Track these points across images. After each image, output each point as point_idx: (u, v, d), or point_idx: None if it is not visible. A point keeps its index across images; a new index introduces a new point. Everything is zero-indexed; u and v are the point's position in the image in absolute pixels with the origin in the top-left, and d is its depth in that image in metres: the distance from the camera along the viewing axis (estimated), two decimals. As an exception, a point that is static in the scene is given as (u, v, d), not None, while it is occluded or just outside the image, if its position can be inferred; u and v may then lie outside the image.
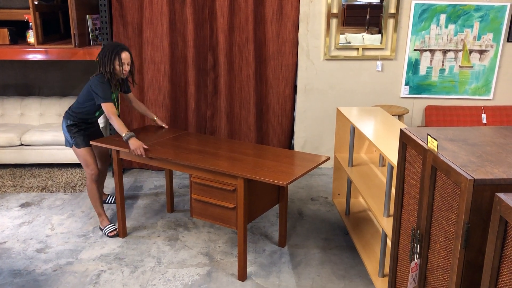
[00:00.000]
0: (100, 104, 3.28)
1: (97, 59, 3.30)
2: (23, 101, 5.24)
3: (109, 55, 3.23)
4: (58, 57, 4.44)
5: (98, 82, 3.25)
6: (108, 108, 3.25)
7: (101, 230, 3.58)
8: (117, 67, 3.27)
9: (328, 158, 3.05)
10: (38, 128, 4.90)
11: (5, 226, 3.66)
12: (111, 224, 3.57)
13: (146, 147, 3.15)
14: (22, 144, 4.75)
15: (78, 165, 4.93)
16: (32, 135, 4.73)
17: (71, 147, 3.47)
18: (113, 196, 4.08)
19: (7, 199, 4.16)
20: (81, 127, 3.46)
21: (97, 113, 3.46)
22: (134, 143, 3.13)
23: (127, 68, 3.31)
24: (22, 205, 4.04)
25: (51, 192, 4.32)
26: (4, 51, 4.43)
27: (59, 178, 4.62)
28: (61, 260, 3.21)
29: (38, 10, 4.38)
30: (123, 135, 3.18)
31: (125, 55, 3.27)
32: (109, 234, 3.51)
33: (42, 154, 4.77)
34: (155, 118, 3.77)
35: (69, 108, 3.47)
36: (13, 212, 3.91)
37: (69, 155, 4.77)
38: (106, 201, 4.07)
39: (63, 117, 3.48)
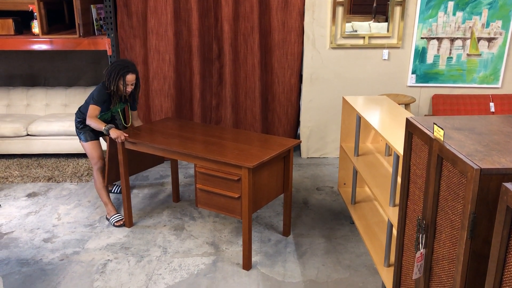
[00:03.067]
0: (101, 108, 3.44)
1: (105, 72, 3.42)
2: (28, 92, 5.26)
3: (115, 75, 3.33)
4: (63, 47, 4.44)
5: (100, 88, 3.42)
6: (92, 110, 3.38)
7: (107, 219, 3.61)
8: (121, 87, 3.38)
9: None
10: (44, 118, 4.92)
11: (12, 216, 3.69)
12: (117, 213, 3.60)
13: (126, 135, 3.30)
14: (28, 135, 4.77)
15: (84, 155, 4.96)
16: (38, 125, 4.74)
17: (80, 142, 3.64)
18: (118, 186, 4.12)
19: (14, 189, 4.19)
20: (83, 124, 3.59)
21: (98, 116, 3.46)
22: (115, 132, 3.30)
23: (129, 89, 3.42)
24: (29, 195, 4.07)
25: (57, 182, 4.34)
26: (9, 41, 4.43)
27: (66, 168, 4.64)
28: (68, 249, 3.23)
29: (43, 0, 4.36)
30: (103, 128, 3.32)
31: (130, 77, 3.37)
32: (115, 224, 3.54)
33: (48, 144, 4.79)
34: None
35: (79, 108, 3.63)
36: (20, 202, 3.94)
37: (75, 145, 4.79)
38: (112, 191, 4.11)
39: (75, 114, 3.68)
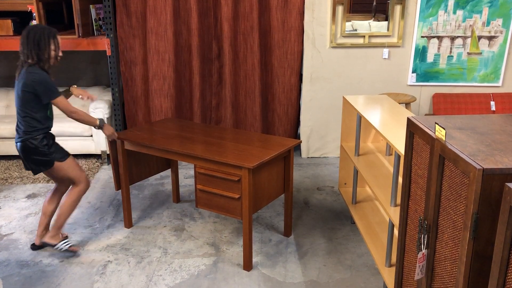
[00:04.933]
0: (48, 101, 2.87)
1: (24, 46, 2.80)
2: (28, 92, 5.24)
3: (45, 40, 2.81)
4: (62, 47, 4.41)
5: (38, 71, 2.79)
6: (64, 102, 2.85)
7: (53, 246, 3.10)
8: (53, 53, 2.87)
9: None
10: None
11: (12, 217, 3.68)
12: (66, 239, 3.16)
13: (116, 134, 3.19)
14: (28, 135, 4.75)
15: (84, 156, 4.94)
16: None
17: (52, 166, 2.93)
18: (66, 243, 3.17)
19: (14, 191, 4.18)
20: (52, 137, 2.99)
21: (49, 112, 2.96)
22: (109, 129, 3.12)
23: (61, 54, 2.94)
24: (29, 196, 4.06)
25: (57, 183, 4.33)
26: (8, 42, 4.42)
27: (65, 169, 4.63)
28: (68, 251, 3.21)
29: (42, 1, 4.35)
30: (98, 123, 3.02)
31: (59, 37, 2.91)
32: (69, 249, 3.11)
33: (48, 145, 4.78)
34: (70, 90, 3.29)
35: (20, 127, 2.89)
36: (20, 203, 3.93)
37: (75, 146, 4.77)
38: (55, 246, 3.15)
39: (19, 140, 2.88)
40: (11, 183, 4.34)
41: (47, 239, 3.11)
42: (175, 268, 3.02)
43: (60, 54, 2.94)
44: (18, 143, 2.91)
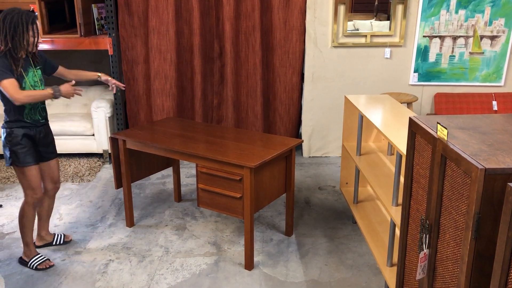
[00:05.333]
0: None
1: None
2: (30, 91, 5.24)
3: (22, 26, 2.62)
4: (64, 46, 4.43)
5: None
6: (8, 85, 2.59)
7: (24, 263, 3.01)
8: (32, 39, 2.69)
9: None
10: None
11: (14, 216, 3.68)
12: (38, 254, 3.03)
13: (80, 89, 2.91)
14: (29, 134, 4.76)
15: (85, 155, 4.95)
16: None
17: (9, 165, 2.82)
18: (61, 236, 3.28)
19: (16, 189, 4.18)
20: (20, 134, 2.78)
21: (27, 109, 2.79)
22: (67, 88, 2.84)
23: (40, 39, 2.81)
24: (31, 195, 4.06)
25: (59, 182, 4.34)
26: (10, 41, 4.42)
27: (67, 168, 4.63)
28: (70, 249, 3.22)
29: (44, 0, 4.36)
30: (52, 92, 2.76)
31: (38, 23, 2.78)
32: (38, 267, 2.97)
33: (49, 144, 4.78)
34: (99, 74, 3.23)
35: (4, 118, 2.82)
36: (22, 202, 3.93)
37: (77, 145, 4.78)
38: (53, 243, 3.24)
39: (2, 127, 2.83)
40: (13, 182, 4.34)
41: (22, 255, 3.04)
42: (176, 267, 3.02)
43: (40, 40, 2.75)
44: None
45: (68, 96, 2.85)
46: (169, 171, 4.57)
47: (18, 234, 3.41)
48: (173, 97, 4.77)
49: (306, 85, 4.79)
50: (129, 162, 3.42)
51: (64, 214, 3.73)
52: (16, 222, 3.59)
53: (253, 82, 4.78)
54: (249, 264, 2.99)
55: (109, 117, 4.69)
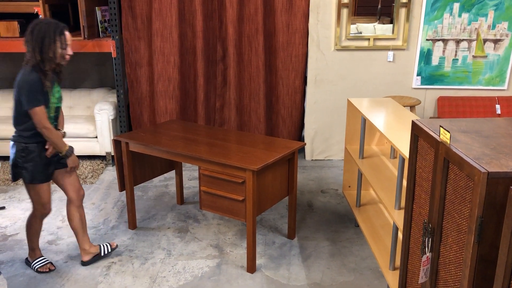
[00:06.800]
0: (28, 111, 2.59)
1: (28, 44, 2.55)
2: (34, 94, 5.26)
3: (50, 37, 2.53)
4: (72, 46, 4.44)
5: (27, 73, 2.54)
6: (41, 113, 2.55)
7: (29, 263, 3.02)
8: (59, 51, 2.59)
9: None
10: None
11: (17, 218, 3.69)
12: (42, 257, 3.02)
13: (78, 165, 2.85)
14: (33, 136, 4.77)
15: (88, 157, 4.96)
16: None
17: (17, 180, 2.76)
18: (107, 246, 3.15)
19: (19, 191, 4.20)
20: (36, 152, 2.69)
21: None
22: (75, 160, 2.79)
23: (70, 51, 2.65)
24: (34, 197, 4.07)
25: (62, 184, 4.35)
26: (15, 43, 4.45)
27: (70, 170, 4.64)
28: (72, 251, 3.23)
29: (48, 2, 4.38)
30: (65, 150, 2.71)
31: (68, 34, 2.62)
32: (39, 270, 2.97)
33: (53, 146, 4.80)
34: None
35: (16, 130, 2.71)
36: (25, 204, 3.94)
37: (80, 147, 4.79)
38: (101, 254, 3.12)
39: (11, 138, 2.72)
40: (16, 183, 4.36)
41: (85, 257, 3.04)
42: (178, 270, 3.02)
43: (70, 52, 2.64)
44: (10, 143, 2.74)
45: (71, 165, 2.78)
46: (171, 173, 4.57)
47: (21, 236, 3.42)
48: (176, 99, 4.78)
49: (309, 88, 4.79)
50: (132, 164, 3.42)
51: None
52: (19, 224, 3.60)
53: (256, 85, 4.78)
54: (251, 267, 2.98)
55: (112, 120, 4.70)
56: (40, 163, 2.70)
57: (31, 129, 2.65)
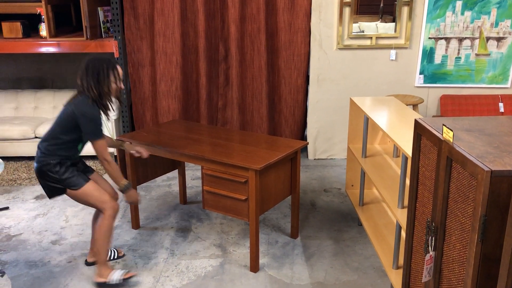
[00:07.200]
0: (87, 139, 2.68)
1: (83, 80, 2.65)
2: (36, 94, 5.28)
3: (104, 73, 2.64)
4: (70, 49, 4.46)
5: (89, 105, 2.61)
6: (103, 147, 2.67)
7: (103, 284, 2.81)
8: (114, 85, 2.69)
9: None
10: (52, 120, 4.93)
11: (20, 218, 3.71)
12: (115, 269, 2.89)
13: (139, 198, 2.93)
14: (36, 137, 4.79)
15: (91, 158, 4.97)
16: (46, 127, 4.76)
17: (64, 193, 2.73)
18: (115, 252, 3.14)
19: (23, 192, 4.21)
20: (67, 164, 2.73)
21: (79, 146, 2.79)
22: (132, 196, 2.84)
23: (122, 85, 2.76)
24: (37, 197, 4.09)
25: (65, 184, 4.36)
26: (17, 44, 4.46)
27: (73, 170, 4.65)
28: (76, 251, 3.23)
29: (50, 3, 4.39)
30: (123, 184, 2.76)
31: (120, 68, 2.74)
32: (125, 278, 2.83)
33: (56, 146, 4.81)
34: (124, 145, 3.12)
35: (41, 148, 2.72)
36: (28, 204, 3.96)
37: (82, 147, 4.80)
38: (108, 259, 3.02)
39: (36, 162, 2.72)
40: (20, 184, 4.37)
41: (97, 278, 2.82)
42: (182, 269, 3.02)
43: (122, 86, 2.74)
44: (35, 164, 2.74)
45: (128, 200, 2.84)
46: (174, 173, 4.58)
47: (24, 236, 3.43)
48: (179, 99, 4.79)
49: (311, 87, 4.79)
50: (135, 164, 3.43)
51: (70, 216, 3.75)
52: (23, 224, 3.61)
53: (258, 84, 4.78)
54: (254, 267, 2.98)
55: (114, 120, 4.70)
56: (74, 169, 2.76)
57: (64, 151, 2.70)
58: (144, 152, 3.06)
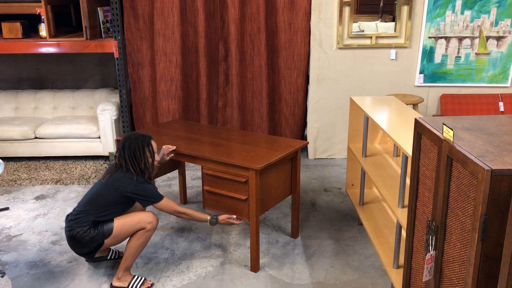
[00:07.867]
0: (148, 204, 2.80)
1: (120, 159, 2.76)
2: (36, 95, 5.29)
3: (140, 150, 2.75)
4: (70, 50, 4.46)
5: (136, 183, 2.72)
6: (168, 205, 2.78)
7: None
8: (150, 160, 2.80)
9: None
10: (52, 121, 4.94)
11: (20, 219, 3.71)
12: (135, 276, 2.89)
13: (233, 216, 2.92)
14: (36, 137, 4.80)
15: (91, 158, 4.97)
16: (46, 128, 4.76)
17: (103, 245, 2.77)
18: (116, 252, 3.15)
19: (23, 192, 4.21)
20: (96, 223, 2.77)
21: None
22: (223, 221, 2.90)
23: (157, 157, 2.90)
24: (37, 198, 4.09)
25: (65, 185, 4.36)
26: (17, 44, 4.46)
27: (73, 171, 4.66)
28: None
29: (50, 3, 4.39)
30: (208, 221, 2.87)
31: (154, 143, 2.85)
32: (142, 286, 2.85)
33: (56, 147, 4.81)
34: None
35: (73, 214, 2.77)
36: (29, 204, 3.96)
37: (82, 147, 4.80)
38: (108, 257, 3.10)
39: (67, 229, 2.75)
40: (20, 184, 4.37)
41: (115, 282, 2.83)
42: (182, 269, 3.02)
43: (157, 159, 2.88)
44: (66, 231, 2.77)
45: (226, 223, 2.92)
46: (175, 173, 4.58)
47: (25, 237, 3.43)
48: (179, 99, 4.79)
49: (311, 86, 4.79)
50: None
51: (71, 216, 3.75)
52: (23, 225, 3.61)
53: (258, 84, 4.78)
54: (254, 266, 2.98)
55: (115, 120, 4.71)
56: (102, 225, 2.76)
57: (109, 215, 2.75)
58: (171, 147, 3.08)
